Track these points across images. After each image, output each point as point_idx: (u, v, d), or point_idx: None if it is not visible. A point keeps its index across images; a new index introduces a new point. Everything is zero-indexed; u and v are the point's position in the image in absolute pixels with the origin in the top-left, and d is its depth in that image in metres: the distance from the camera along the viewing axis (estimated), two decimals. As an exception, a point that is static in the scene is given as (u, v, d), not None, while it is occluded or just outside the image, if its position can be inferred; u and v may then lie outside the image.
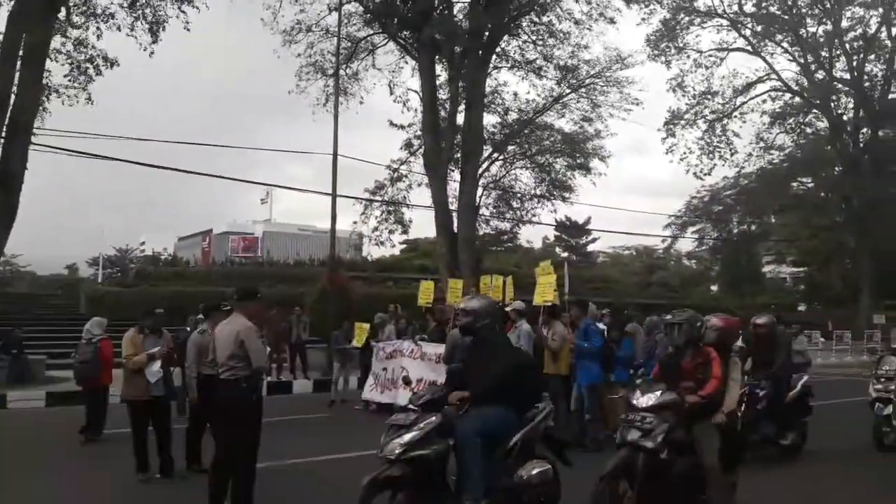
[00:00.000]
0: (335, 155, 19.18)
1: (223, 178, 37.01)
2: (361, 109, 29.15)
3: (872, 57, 32.26)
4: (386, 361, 12.00)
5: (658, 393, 5.29)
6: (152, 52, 16.75)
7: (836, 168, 35.15)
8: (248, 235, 50.49)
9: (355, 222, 25.51)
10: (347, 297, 20.05)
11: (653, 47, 30.95)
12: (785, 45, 32.49)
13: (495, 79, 24.75)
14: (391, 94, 24.63)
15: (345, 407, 12.70)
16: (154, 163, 19.10)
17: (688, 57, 31.91)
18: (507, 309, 10.68)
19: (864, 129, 33.03)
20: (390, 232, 25.18)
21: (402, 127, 24.94)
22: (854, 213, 32.72)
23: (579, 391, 8.97)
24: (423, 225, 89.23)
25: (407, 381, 6.85)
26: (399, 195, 25.03)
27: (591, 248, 56.48)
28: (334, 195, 19.40)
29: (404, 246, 43.61)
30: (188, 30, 16.80)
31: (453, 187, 23.39)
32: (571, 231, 52.43)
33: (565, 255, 52.34)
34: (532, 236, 73.93)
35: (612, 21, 23.57)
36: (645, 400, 5.26)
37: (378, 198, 24.91)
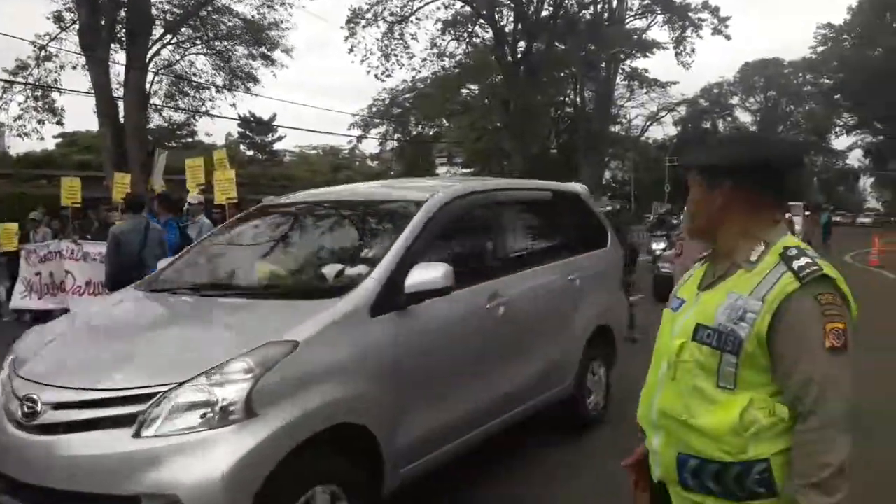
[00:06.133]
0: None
1: None
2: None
3: (530, -26, 35.57)
4: (40, 265, 10.61)
5: None
6: None
7: (498, 76, 38.85)
8: None
9: (-9, 108, 21.45)
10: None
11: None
12: (458, -46, 34.17)
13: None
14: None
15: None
16: None
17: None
18: (191, 202, 10.12)
19: (521, 42, 36.73)
20: (39, 122, 21.72)
21: (48, -5, 21.20)
22: (512, 117, 36.73)
23: None
24: (85, 115, 78.52)
25: None
26: (48, 77, 21.53)
27: (277, 146, 55.37)
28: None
29: (59, 140, 38.14)
30: None
31: (117, 71, 20.78)
32: (256, 128, 50.62)
33: (250, 153, 50.72)
34: (214, 132, 69.87)
35: None
36: None
37: (20, 80, 21.12)
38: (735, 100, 62.28)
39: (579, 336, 4.80)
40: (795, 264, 1.51)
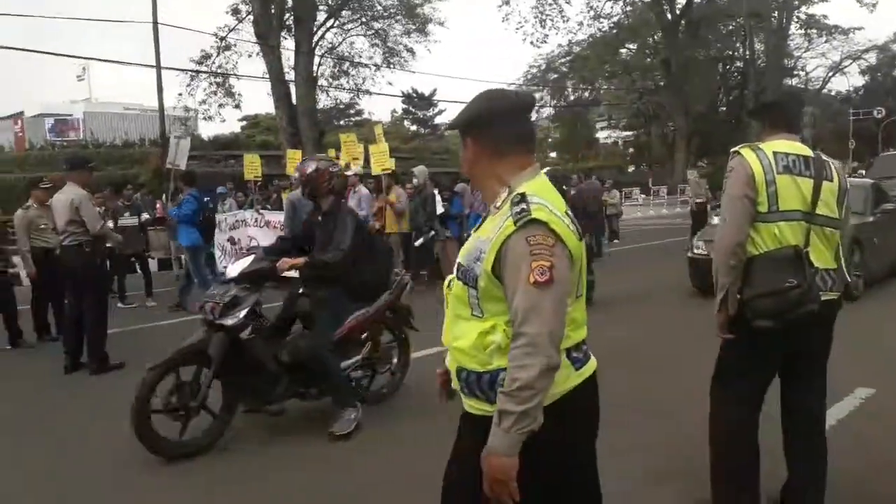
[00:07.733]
0: (155, 23, 17.92)
1: (27, 50, 32.58)
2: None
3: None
4: (230, 232, 12.16)
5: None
6: None
7: (658, 34, 37.36)
8: (67, 117, 46.04)
9: (180, 94, 24.30)
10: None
11: None
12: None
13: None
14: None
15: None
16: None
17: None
18: (348, 174, 11.18)
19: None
20: (220, 106, 24.31)
21: (227, -9, 23.47)
22: (672, 76, 35.29)
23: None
24: (263, 101, 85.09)
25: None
26: (228, 65, 23.95)
27: (438, 120, 56.97)
28: (158, 67, 18.27)
29: (244, 123, 41.99)
30: None
31: (288, 57, 22.68)
32: (418, 103, 52.43)
33: (414, 128, 52.64)
34: (379, 110, 73.03)
35: None
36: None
37: (205, 68, 23.66)
38: (937, 42, 54.92)
39: None
40: (514, 210, 1.70)
